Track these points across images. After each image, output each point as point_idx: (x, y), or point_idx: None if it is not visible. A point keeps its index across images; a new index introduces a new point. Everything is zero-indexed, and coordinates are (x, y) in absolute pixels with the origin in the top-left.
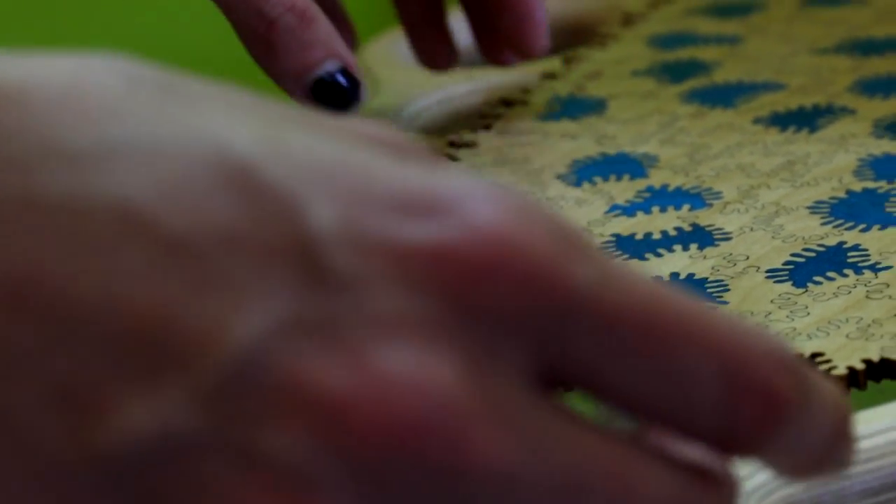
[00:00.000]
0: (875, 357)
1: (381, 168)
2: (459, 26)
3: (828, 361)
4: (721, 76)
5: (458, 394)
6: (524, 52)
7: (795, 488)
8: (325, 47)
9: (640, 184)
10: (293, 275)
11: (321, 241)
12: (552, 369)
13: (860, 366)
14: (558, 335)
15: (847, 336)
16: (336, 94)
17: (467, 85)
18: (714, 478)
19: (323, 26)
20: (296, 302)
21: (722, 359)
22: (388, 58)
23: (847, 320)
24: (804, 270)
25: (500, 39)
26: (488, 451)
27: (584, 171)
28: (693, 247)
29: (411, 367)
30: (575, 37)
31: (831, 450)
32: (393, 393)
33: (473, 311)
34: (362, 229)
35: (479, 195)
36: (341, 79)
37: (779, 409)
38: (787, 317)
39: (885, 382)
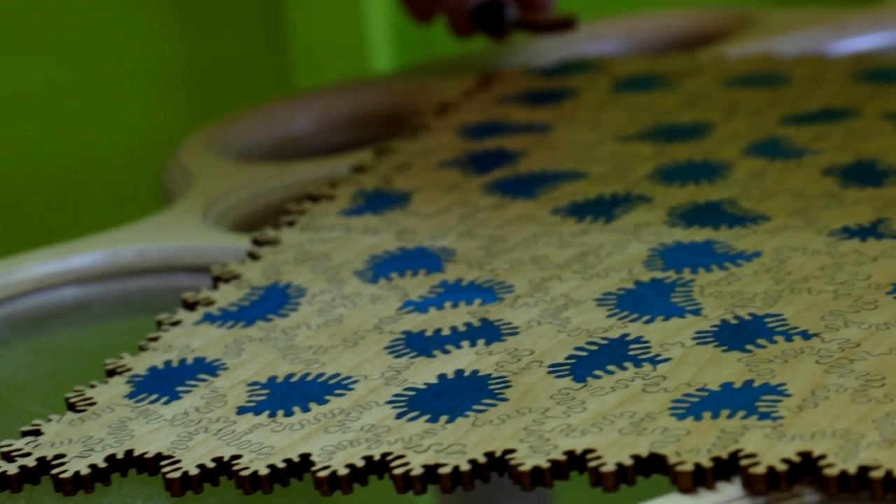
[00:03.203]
0: (644, 453)
1: None
2: None
3: (598, 458)
4: (526, 166)
5: None
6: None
7: None
8: None
9: (435, 279)
10: None
11: None
12: None
13: (629, 462)
14: None
15: (620, 431)
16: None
17: (277, 180)
18: None
19: None
20: None
21: None
22: (201, 153)
23: (622, 415)
24: (585, 364)
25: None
26: None
27: (382, 267)
28: (480, 342)
29: None
30: (390, 127)
31: None
32: None
33: None
34: None
35: None
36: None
37: None
38: (564, 413)
39: (656, 477)
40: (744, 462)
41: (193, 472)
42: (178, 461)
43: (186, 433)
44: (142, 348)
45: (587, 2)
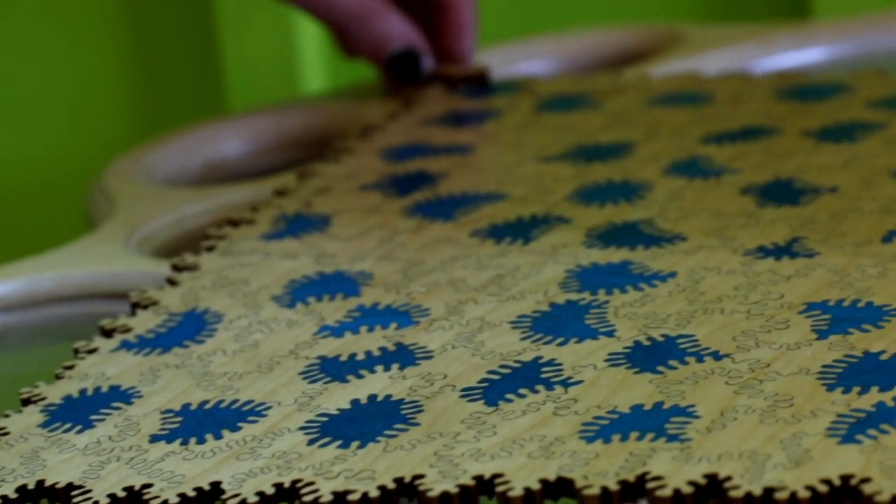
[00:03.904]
0: (552, 476)
1: None
2: None
3: (506, 482)
4: (446, 188)
5: None
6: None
7: None
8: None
9: (352, 303)
10: None
11: None
12: None
13: (537, 486)
14: None
15: (529, 455)
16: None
17: (200, 205)
18: None
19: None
20: None
21: None
22: (125, 177)
23: (531, 439)
24: (497, 388)
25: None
26: None
27: (299, 292)
28: (394, 367)
29: None
30: (319, 150)
31: None
32: None
33: None
34: None
35: None
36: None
37: None
38: (474, 437)
39: (564, 500)
40: (650, 485)
41: (104, 501)
42: (88, 491)
43: (98, 462)
44: (58, 377)
45: (515, 20)
